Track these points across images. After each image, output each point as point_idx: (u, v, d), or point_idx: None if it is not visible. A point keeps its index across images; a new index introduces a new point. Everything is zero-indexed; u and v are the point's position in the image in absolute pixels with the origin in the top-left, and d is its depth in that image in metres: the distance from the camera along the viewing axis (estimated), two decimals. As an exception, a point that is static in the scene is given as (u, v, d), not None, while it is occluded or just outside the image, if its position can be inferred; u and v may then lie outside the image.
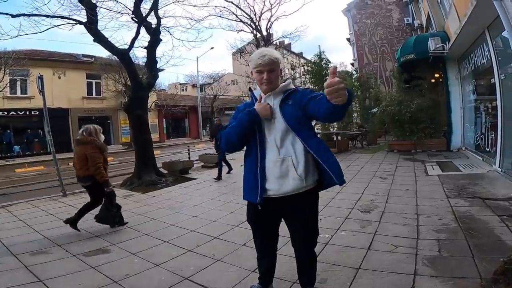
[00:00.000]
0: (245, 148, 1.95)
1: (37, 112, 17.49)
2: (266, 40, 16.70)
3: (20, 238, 3.94)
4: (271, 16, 16.84)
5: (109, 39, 7.46)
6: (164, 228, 4.12)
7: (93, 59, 21.02)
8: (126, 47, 7.87)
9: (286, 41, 31.81)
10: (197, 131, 29.56)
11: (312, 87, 12.68)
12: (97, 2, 7.24)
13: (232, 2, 15.67)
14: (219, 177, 7.34)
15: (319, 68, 12.97)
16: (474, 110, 8.20)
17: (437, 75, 11.02)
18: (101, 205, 4.21)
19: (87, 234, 4.01)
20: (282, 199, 1.82)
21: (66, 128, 19.50)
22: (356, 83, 17.04)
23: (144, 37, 10.86)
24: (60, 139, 14.40)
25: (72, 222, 4.09)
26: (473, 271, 2.38)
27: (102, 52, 18.10)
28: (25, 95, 18.17)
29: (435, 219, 3.65)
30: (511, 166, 5.47)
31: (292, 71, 43.95)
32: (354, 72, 20.52)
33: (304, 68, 26.05)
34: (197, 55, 39.20)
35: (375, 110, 13.40)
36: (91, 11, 6.77)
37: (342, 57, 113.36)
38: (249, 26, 16.79)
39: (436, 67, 10.04)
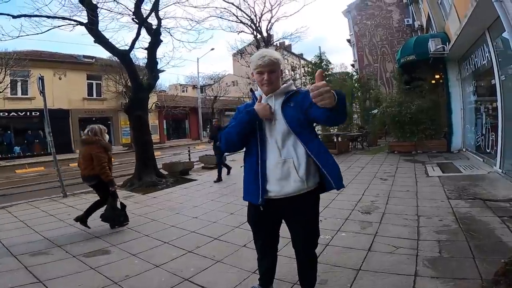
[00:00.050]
0: (244, 148, 1.95)
1: (38, 113, 17.49)
2: (266, 41, 16.70)
3: (20, 239, 3.94)
4: (272, 17, 16.84)
5: (109, 40, 7.49)
6: (164, 229, 4.12)
7: (93, 60, 21.05)
8: (127, 48, 7.89)
9: (287, 42, 31.81)
10: (198, 132, 29.56)
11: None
12: (98, 3, 7.28)
13: (232, 3, 15.69)
14: (219, 179, 7.34)
15: (319, 69, 12.99)
16: (474, 111, 8.20)
17: (437, 76, 11.03)
18: (106, 205, 4.23)
19: (87, 235, 4.01)
20: (283, 200, 1.81)
21: (67, 129, 19.52)
22: (356, 84, 17.07)
23: (145, 38, 10.95)
24: (60, 140, 14.40)
25: (82, 220, 4.16)
26: (473, 272, 2.38)
27: (102, 53, 18.23)
28: (25, 96, 18.18)
29: (436, 220, 3.65)
30: (512, 167, 5.47)
31: (292, 72, 43.96)
32: (354, 73, 20.54)
33: (304, 69, 26.06)
34: (198, 56, 39.25)
35: (375, 111, 13.40)
36: (92, 12, 6.78)
37: (342, 58, 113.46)
38: (249, 27, 16.80)
39: (437, 68, 10.05)
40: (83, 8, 6.88)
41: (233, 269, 2.79)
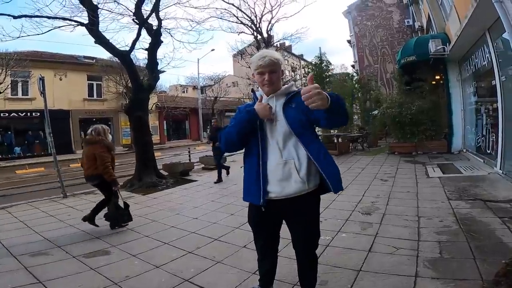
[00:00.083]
0: (244, 149, 1.94)
1: (38, 114, 17.52)
2: (266, 42, 16.73)
3: (20, 239, 3.94)
4: (272, 18, 16.86)
5: (110, 41, 7.50)
6: (165, 229, 4.12)
7: (94, 60, 21.08)
8: (127, 48, 7.91)
9: (287, 43, 31.84)
10: (198, 133, 29.58)
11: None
12: (98, 3, 7.30)
13: (232, 4, 15.72)
14: (219, 180, 7.34)
15: (319, 70, 12.99)
16: (475, 112, 8.19)
17: (437, 77, 11.03)
18: (109, 204, 4.25)
19: (87, 236, 4.01)
20: (284, 201, 1.81)
21: (67, 129, 19.55)
22: (356, 85, 17.07)
23: (145, 39, 10.93)
24: (61, 141, 14.41)
25: (89, 219, 4.20)
26: (474, 273, 2.37)
27: (103, 54, 18.25)
28: (26, 97, 18.21)
29: (436, 221, 3.64)
30: (512, 168, 5.46)
31: (292, 73, 44.03)
32: (354, 74, 20.54)
33: (304, 70, 26.07)
34: (198, 57, 39.45)
35: (375, 112, 13.41)
36: (93, 12, 6.80)
37: (342, 59, 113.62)
38: (249, 28, 16.82)
39: (437, 69, 10.05)
40: (84, 8, 6.90)
41: (233, 270, 2.78)
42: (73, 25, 7.19)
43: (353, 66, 25.28)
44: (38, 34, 6.97)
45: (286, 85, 1.92)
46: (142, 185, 7.27)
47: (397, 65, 11.81)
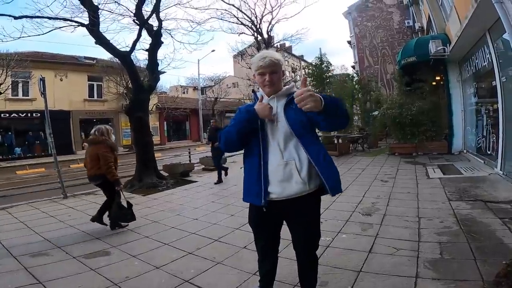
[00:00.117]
0: (244, 150, 1.94)
1: (39, 114, 17.53)
2: (267, 43, 16.73)
3: (20, 240, 3.94)
4: (272, 18, 16.88)
5: (110, 41, 7.51)
6: (165, 230, 4.12)
7: (94, 61, 21.10)
8: (128, 49, 7.93)
9: (287, 44, 31.87)
10: (198, 134, 29.58)
11: (313, 90, 12.69)
12: (99, 4, 7.31)
13: (233, 5, 15.75)
14: (219, 180, 7.33)
15: (320, 71, 13.00)
16: (475, 112, 8.19)
17: (438, 78, 11.02)
18: (113, 204, 4.26)
19: (88, 236, 4.00)
20: (284, 202, 1.81)
21: (68, 130, 19.57)
22: (357, 86, 17.08)
23: (146, 40, 10.97)
24: (61, 141, 14.44)
25: (97, 219, 4.25)
26: (475, 273, 2.37)
27: (103, 55, 18.29)
28: (26, 97, 18.23)
29: (437, 222, 3.64)
30: (513, 169, 5.45)
31: (293, 74, 44.03)
32: (355, 75, 20.55)
33: (305, 71, 26.08)
34: (198, 57, 39.54)
35: (376, 113, 13.40)
36: (93, 13, 6.81)
37: (343, 59, 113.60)
38: (250, 29, 16.83)
39: (437, 69, 10.05)
40: (84, 9, 6.91)
41: (233, 271, 2.78)
42: (73, 25, 7.20)
43: (353, 67, 25.28)
44: (39, 35, 6.99)
45: (287, 86, 1.92)
46: (142, 185, 7.27)
47: (398, 66, 11.82)
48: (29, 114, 18.11)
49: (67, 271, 2.93)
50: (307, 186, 1.78)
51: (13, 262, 3.23)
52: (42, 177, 10.75)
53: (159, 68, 8.84)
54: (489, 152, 6.90)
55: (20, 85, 18.07)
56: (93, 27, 6.92)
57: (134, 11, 7.79)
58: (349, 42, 24.88)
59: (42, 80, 6.70)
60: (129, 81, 13.46)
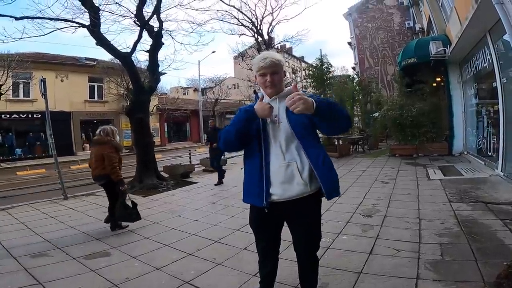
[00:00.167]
0: (244, 151, 1.94)
1: (39, 115, 17.55)
2: (267, 44, 16.75)
3: (20, 241, 3.94)
4: (273, 20, 16.89)
5: (111, 42, 7.52)
6: (165, 231, 4.11)
7: (95, 62, 21.15)
8: (128, 50, 7.94)
9: (288, 45, 31.93)
10: (198, 135, 29.58)
11: (314, 91, 12.70)
12: (100, 5, 7.32)
13: (233, 6, 15.77)
14: (219, 182, 7.32)
15: (320, 72, 13.00)
16: (476, 114, 8.18)
17: (438, 79, 11.02)
18: (118, 204, 4.27)
19: (88, 237, 4.00)
20: (285, 203, 1.80)
21: (68, 131, 19.58)
22: (357, 87, 17.06)
23: (146, 41, 10.94)
24: (62, 142, 14.47)
25: (110, 220, 4.29)
26: (476, 275, 2.36)
27: (104, 56, 18.34)
28: (27, 98, 18.27)
29: (437, 223, 3.63)
30: (514, 170, 5.44)
31: (293, 75, 44.05)
32: (355, 76, 20.55)
33: (305, 72, 26.09)
34: (199, 59, 39.63)
35: (376, 114, 13.39)
36: (94, 14, 6.82)
37: (343, 61, 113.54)
38: (250, 30, 16.84)
39: (438, 71, 10.04)
40: (85, 10, 6.93)
41: (233, 272, 2.77)
42: (74, 26, 7.21)
43: (353, 68, 25.30)
44: (40, 36, 7.00)
45: (288, 87, 1.91)
46: (142, 187, 7.27)
47: (398, 67, 11.81)
48: (29, 115, 18.14)
49: (67, 272, 2.93)
50: (308, 187, 1.78)
51: (13, 262, 3.22)
52: (42, 178, 10.76)
53: (160, 69, 8.86)
54: (489, 154, 6.88)
55: (21, 86, 18.11)
56: (94, 28, 6.93)
57: (135, 12, 7.81)
58: (349, 43, 24.90)
59: (43, 81, 6.71)
60: (130, 82, 13.49)
